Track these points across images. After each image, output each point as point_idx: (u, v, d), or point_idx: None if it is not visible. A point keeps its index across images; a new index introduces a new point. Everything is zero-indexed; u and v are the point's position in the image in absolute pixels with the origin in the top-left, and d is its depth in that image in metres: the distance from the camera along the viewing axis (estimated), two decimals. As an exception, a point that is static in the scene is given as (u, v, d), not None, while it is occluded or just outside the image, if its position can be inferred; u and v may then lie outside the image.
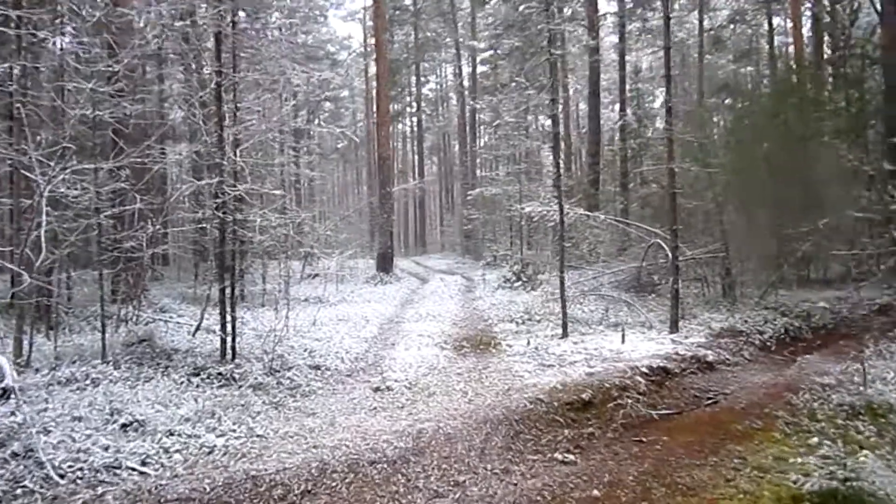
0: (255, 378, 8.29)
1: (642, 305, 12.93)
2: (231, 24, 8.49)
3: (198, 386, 7.92)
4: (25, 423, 5.64)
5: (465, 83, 44.39)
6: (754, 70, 33.90)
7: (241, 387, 7.98)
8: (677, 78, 38.03)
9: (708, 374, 9.02)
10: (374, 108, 52.25)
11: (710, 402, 7.89)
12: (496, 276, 22.18)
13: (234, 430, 6.35)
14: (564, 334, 10.83)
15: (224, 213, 8.33)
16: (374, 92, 23.89)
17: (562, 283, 11.17)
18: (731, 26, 34.49)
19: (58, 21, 9.21)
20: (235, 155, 8.32)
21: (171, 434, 6.06)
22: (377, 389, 8.26)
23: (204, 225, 11.62)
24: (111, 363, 8.46)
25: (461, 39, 43.04)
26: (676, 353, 9.37)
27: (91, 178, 8.83)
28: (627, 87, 29.38)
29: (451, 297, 18.18)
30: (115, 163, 9.17)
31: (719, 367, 9.36)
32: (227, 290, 9.02)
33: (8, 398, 6.24)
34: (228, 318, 8.95)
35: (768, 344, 10.63)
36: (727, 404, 7.71)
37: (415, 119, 55.89)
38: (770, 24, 31.60)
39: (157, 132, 11.56)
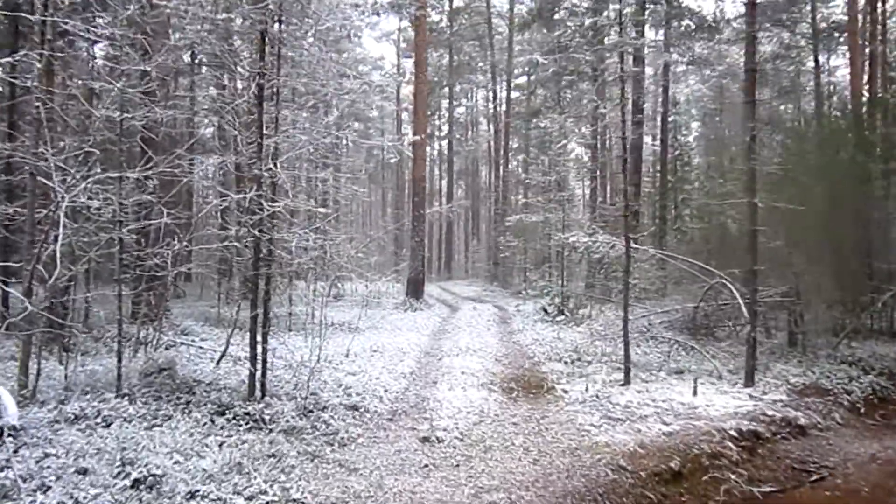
0: (287, 420, 7.30)
1: (704, 351, 11.80)
2: (277, 22, 7.61)
3: (222, 428, 6.94)
4: (19, 478, 4.68)
5: (501, 108, 43.62)
6: (794, 108, 32.90)
7: (271, 431, 6.99)
8: (715, 112, 37.03)
9: (801, 441, 7.88)
10: (409, 128, 51.85)
11: (816, 478, 6.75)
12: (531, 307, 21.12)
13: (265, 492, 5.33)
14: (626, 381, 9.75)
15: (261, 230, 7.39)
16: (412, 108, 23.05)
17: (625, 323, 10.10)
18: (776, 62, 33.29)
19: (88, 13, 8.39)
20: (276, 166, 7.40)
21: (193, 497, 5.06)
22: (425, 440, 7.23)
23: (235, 244, 10.75)
24: (126, 396, 7.52)
25: (497, 64, 42.33)
26: (763, 414, 8.23)
27: (115, 188, 7.97)
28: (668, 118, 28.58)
29: (488, 329, 17.12)
30: (141, 172, 8.31)
31: (811, 431, 8.21)
32: (260, 318, 8.07)
33: (2, 441, 5.33)
34: (259, 349, 7.98)
35: (857, 406, 9.43)
36: (840, 483, 6.59)
37: (444, 142, 55.40)
38: (816, 60, 30.37)
39: (187, 142, 10.72)
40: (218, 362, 10.18)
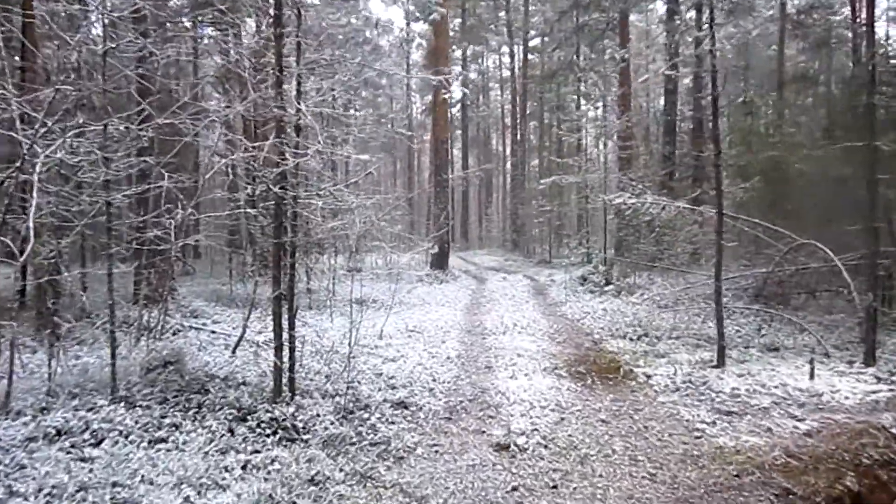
0: (326, 427, 5.77)
1: (804, 324, 10.21)
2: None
3: (244, 440, 5.42)
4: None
5: (517, 68, 41.73)
6: (825, 63, 31.00)
7: (307, 444, 5.47)
8: (739, 71, 34.96)
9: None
10: (417, 97, 49.95)
11: None
12: (564, 276, 19.53)
13: (312, 546, 3.82)
14: (720, 362, 8.17)
15: (283, 187, 5.81)
16: (430, 62, 21.26)
17: (718, 294, 8.49)
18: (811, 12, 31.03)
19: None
20: (300, 103, 5.78)
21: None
22: (501, 448, 5.69)
23: (248, 210, 9.16)
24: (124, 400, 6.01)
25: (513, 22, 40.32)
26: (911, 401, 6.67)
27: (102, 141, 6.40)
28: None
29: (527, 302, 15.55)
30: (127, 123, 6.75)
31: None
32: (284, 297, 6.52)
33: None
34: (285, 336, 6.44)
35: None
36: None
37: (455, 109, 53.47)
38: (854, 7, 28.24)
39: (190, 91, 9.11)
40: (234, 350, 8.67)
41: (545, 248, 32.60)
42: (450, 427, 6.30)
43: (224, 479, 4.59)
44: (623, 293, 15.08)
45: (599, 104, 36.18)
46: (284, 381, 6.37)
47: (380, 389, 7.34)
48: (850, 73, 25.61)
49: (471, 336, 11.00)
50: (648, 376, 8.00)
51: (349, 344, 7.53)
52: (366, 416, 6.31)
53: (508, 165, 49.16)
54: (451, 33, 43.60)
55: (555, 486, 4.87)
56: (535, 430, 6.09)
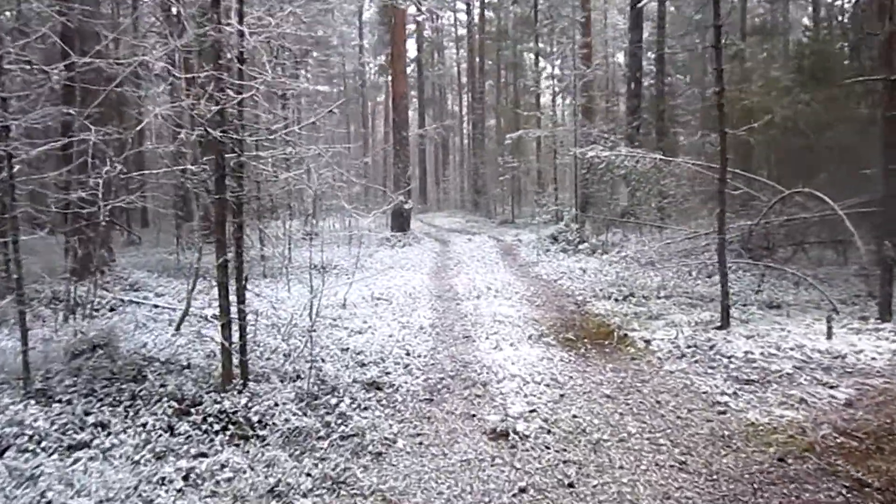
0: (286, 419, 4.80)
1: (807, 278, 9.54)
2: None
3: (187, 440, 4.44)
4: None
5: (474, 24, 40.44)
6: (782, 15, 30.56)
7: (265, 441, 4.50)
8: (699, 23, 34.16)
9: None
10: (369, 55, 48.26)
11: None
12: (531, 236, 18.74)
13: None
14: (725, 323, 7.40)
15: (225, 131, 4.73)
16: (392, 24, 19.96)
17: (721, 247, 7.68)
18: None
19: None
20: (242, 24, 4.68)
21: None
22: (498, 435, 4.80)
23: (187, 167, 8.00)
24: (40, 395, 4.96)
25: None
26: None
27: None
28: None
29: (496, 263, 14.69)
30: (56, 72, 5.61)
31: None
32: (231, 264, 5.48)
33: None
34: (234, 311, 5.42)
35: None
36: None
37: (411, 66, 51.86)
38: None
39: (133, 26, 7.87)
40: (178, 326, 7.60)
41: (507, 208, 31.80)
42: (433, 411, 5.39)
43: (159, 497, 3.60)
44: (598, 252, 14.32)
45: (558, 61, 35.29)
46: (235, 363, 5.37)
47: (347, 367, 6.39)
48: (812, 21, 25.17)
49: (443, 302, 10.09)
50: (647, 341, 7.19)
51: (310, 316, 6.52)
52: (333, 401, 5.35)
53: (466, 125, 48.03)
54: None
55: (571, 485, 4.00)
56: (534, 411, 5.21)
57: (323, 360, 6.57)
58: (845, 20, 19.60)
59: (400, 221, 20.11)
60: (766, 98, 13.66)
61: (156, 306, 9.12)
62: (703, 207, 15.06)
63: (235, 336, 5.41)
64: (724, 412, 5.09)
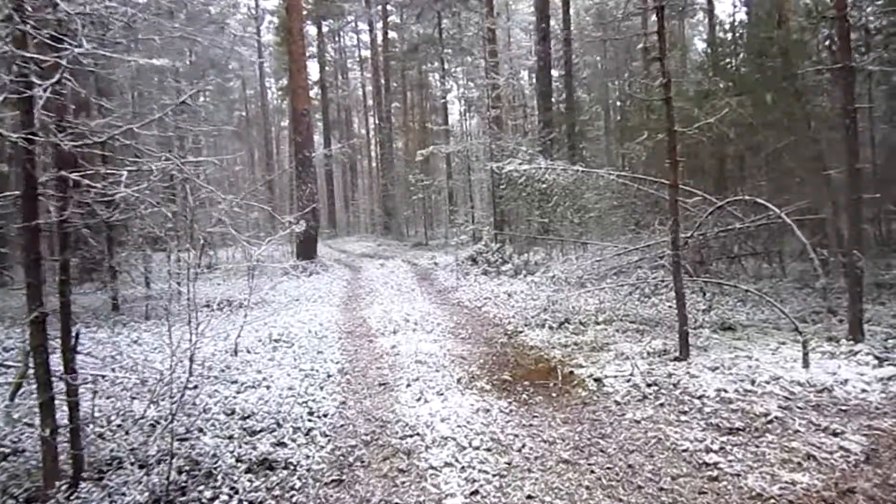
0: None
1: (766, 297, 8.69)
2: None
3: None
4: None
5: (378, 42, 39.41)
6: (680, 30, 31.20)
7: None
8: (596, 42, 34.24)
9: None
10: (272, 80, 46.44)
11: None
12: (448, 258, 17.63)
13: None
14: (684, 353, 6.35)
15: (28, 110, 3.30)
16: (289, 29, 18.51)
17: (676, 265, 6.64)
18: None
19: None
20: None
21: None
22: (431, 539, 3.51)
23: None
24: None
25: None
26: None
27: None
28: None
29: (413, 290, 13.42)
30: None
31: None
32: (46, 321, 3.99)
33: None
34: (61, 387, 3.92)
35: None
36: None
37: (314, 89, 50.24)
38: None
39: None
40: (12, 397, 5.95)
41: (419, 230, 30.70)
42: (343, 501, 4.04)
43: None
44: (522, 273, 13.27)
45: (463, 81, 34.71)
46: (61, 458, 3.86)
47: (232, 439, 4.97)
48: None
49: (354, 340, 8.72)
50: (598, 380, 6.05)
51: (184, 372, 5.07)
52: (207, 495, 3.94)
53: (374, 147, 46.86)
54: (306, 7, 40.67)
55: None
56: (476, 493, 3.95)
57: (200, 432, 5.13)
58: (740, 34, 19.53)
59: (306, 248, 18.58)
60: (688, 104, 13.03)
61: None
62: (629, 221, 14.30)
63: (63, 421, 3.91)
64: (716, 478, 3.97)
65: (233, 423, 5.37)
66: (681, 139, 12.78)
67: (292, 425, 5.30)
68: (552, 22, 29.38)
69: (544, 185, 13.30)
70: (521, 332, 8.51)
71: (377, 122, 40.59)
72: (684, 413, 5.05)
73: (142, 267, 13.05)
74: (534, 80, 32.77)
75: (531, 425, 5.11)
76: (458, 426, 5.07)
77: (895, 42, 9.53)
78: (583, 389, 5.89)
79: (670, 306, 8.95)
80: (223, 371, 7.07)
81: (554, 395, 5.84)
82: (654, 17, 6.19)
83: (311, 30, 45.01)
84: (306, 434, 5.14)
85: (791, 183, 11.82)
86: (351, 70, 55.03)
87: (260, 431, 5.18)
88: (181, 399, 4.92)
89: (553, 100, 26.72)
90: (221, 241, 18.21)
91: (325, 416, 5.59)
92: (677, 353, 6.39)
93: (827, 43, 13.36)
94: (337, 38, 51.83)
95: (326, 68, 51.27)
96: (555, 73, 31.23)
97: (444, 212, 24.23)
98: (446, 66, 33.33)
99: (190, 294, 6.64)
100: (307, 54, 44.49)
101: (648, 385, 5.70)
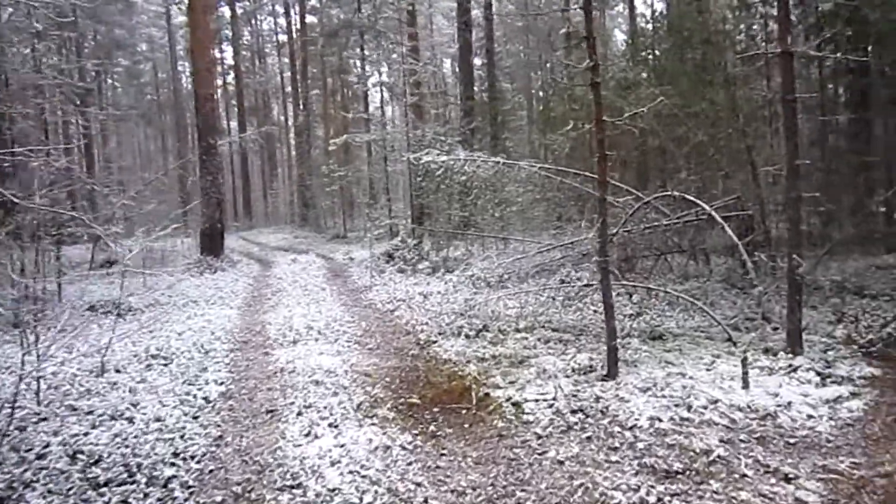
0: None
1: (695, 302, 8.12)
2: None
3: None
4: None
5: (295, 27, 37.92)
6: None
7: None
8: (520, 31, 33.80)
9: None
10: (187, 61, 44.29)
11: None
12: (363, 253, 16.72)
13: None
14: (612, 370, 5.66)
15: None
16: (191, 5, 17.13)
17: (604, 270, 5.91)
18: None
19: None
20: None
21: None
22: None
23: None
24: None
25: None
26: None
27: None
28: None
29: (323, 290, 12.46)
30: None
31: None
32: None
33: None
34: None
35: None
36: None
37: (230, 76, 48.20)
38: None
39: None
40: None
41: (338, 222, 29.61)
42: (189, 591, 3.13)
43: None
44: (440, 271, 12.49)
45: (385, 68, 33.68)
46: None
47: (67, 496, 3.97)
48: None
49: (247, 353, 7.73)
50: (517, 404, 5.30)
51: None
52: None
53: (292, 136, 45.22)
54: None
55: None
56: (363, 577, 3.11)
57: (27, 487, 4.11)
58: (660, 24, 19.26)
59: (211, 243, 17.29)
60: (611, 94, 12.49)
61: None
62: (552, 215, 13.73)
63: None
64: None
65: (74, 471, 4.37)
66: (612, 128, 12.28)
67: (149, 474, 4.33)
68: (474, 9, 28.73)
69: (464, 178, 12.56)
70: (434, 341, 7.71)
71: (294, 111, 39.09)
72: (614, 450, 4.33)
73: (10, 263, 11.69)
74: (456, 70, 32.11)
75: (438, 468, 4.30)
76: (351, 472, 4.21)
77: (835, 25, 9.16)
78: (500, 417, 5.12)
79: (595, 311, 8.33)
80: (83, 396, 6.00)
81: (467, 424, 5.05)
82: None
83: (226, 11, 43.06)
84: (164, 487, 4.19)
85: (716, 177, 11.46)
86: (269, 55, 53.09)
87: (105, 484, 4.20)
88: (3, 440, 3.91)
89: (476, 89, 26.10)
90: (125, 235, 16.75)
91: (192, 458, 4.63)
92: (605, 371, 5.70)
93: (755, 29, 13.10)
94: (253, 21, 49.82)
95: (243, 52, 49.27)
96: (477, 61, 30.61)
97: (365, 203, 23.23)
98: (366, 53, 32.20)
99: (63, 294, 5.66)
100: (219, 37, 42.50)
101: (573, 412, 4.98)
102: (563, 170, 11.23)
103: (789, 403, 4.86)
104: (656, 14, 20.61)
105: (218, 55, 47.18)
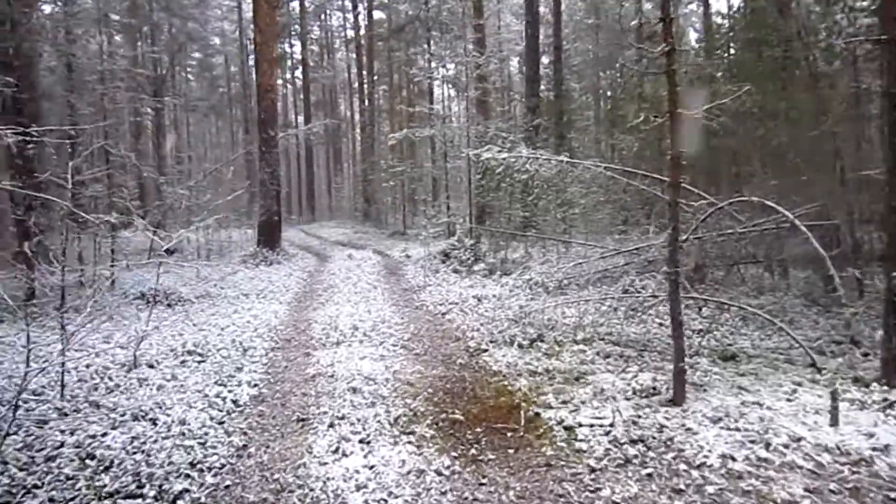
0: None
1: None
2: None
3: None
4: None
5: (363, 22, 37.90)
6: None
7: None
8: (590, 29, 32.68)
9: None
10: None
11: None
12: (420, 251, 16.30)
13: None
14: (679, 395, 5.04)
15: None
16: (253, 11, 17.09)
17: (675, 283, 5.28)
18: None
19: None
20: None
21: None
22: None
23: None
24: None
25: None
26: None
27: None
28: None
29: (375, 288, 12.08)
30: None
31: None
32: None
33: None
34: None
35: None
36: None
37: (298, 70, 48.62)
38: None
39: None
40: None
41: (398, 219, 29.33)
42: None
43: None
44: (497, 273, 11.95)
45: (450, 64, 33.28)
46: None
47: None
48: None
49: (288, 352, 7.37)
50: (570, 429, 4.74)
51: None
52: None
53: (358, 131, 45.28)
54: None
55: None
56: None
57: (29, 493, 3.79)
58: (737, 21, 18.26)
59: (267, 235, 17.15)
60: (684, 88, 11.73)
61: None
62: (616, 219, 13.04)
63: None
64: None
65: (82, 478, 4.05)
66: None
67: (159, 486, 3.97)
68: (542, 5, 28.01)
69: (525, 177, 11.99)
70: (485, 350, 7.19)
71: (358, 107, 39.09)
72: (679, 493, 3.74)
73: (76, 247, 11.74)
74: (522, 69, 31.43)
75: (475, 501, 3.79)
76: (377, 501, 3.75)
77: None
78: (549, 443, 4.57)
79: (661, 324, 7.68)
80: (108, 392, 5.71)
81: (513, 449, 4.52)
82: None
83: (295, 5, 43.34)
84: (173, 501, 3.81)
85: (797, 182, 10.60)
86: (338, 51, 53.37)
87: (111, 496, 3.85)
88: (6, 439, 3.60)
89: (542, 87, 25.41)
90: (186, 222, 16.74)
91: (209, 470, 4.25)
92: (670, 395, 5.09)
93: (842, 22, 12.09)
94: (322, 17, 50.11)
95: (312, 48, 49.64)
96: (545, 59, 29.85)
97: (425, 201, 22.85)
98: (433, 48, 31.89)
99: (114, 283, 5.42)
100: (287, 32, 42.81)
101: (633, 442, 4.40)
102: (631, 170, 10.52)
103: (886, 447, 4.17)
104: (733, 10, 19.56)
105: (287, 50, 47.79)
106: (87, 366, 6.47)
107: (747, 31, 13.29)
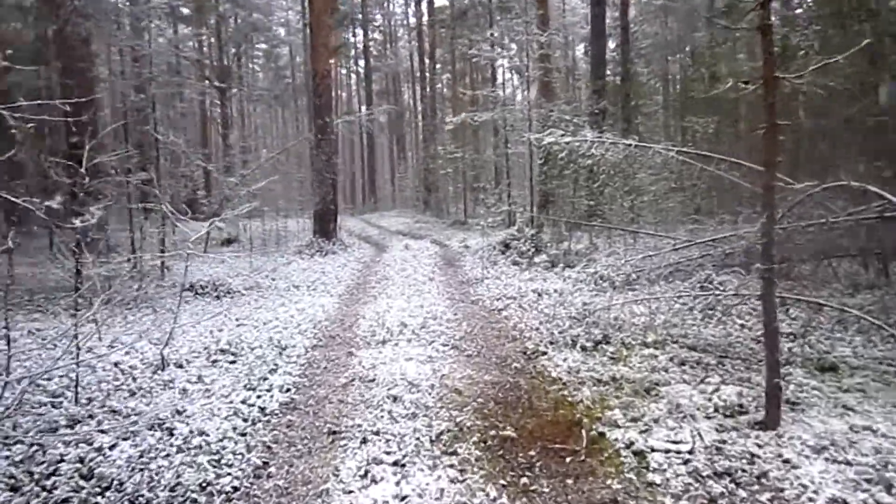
0: None
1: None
2: None
3: None
4: None
5: (423, 8, 37.30)
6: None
7: None
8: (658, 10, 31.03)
9: None
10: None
11: None
12: (480, 241, 15.60)
13: None
14: (773, 417, 4.24)
15: None
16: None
17: (770, 282, 4.47)
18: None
19: None
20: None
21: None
22: None
23: None
24: None
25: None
26: None
27: None
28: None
29: (430, 280, 11.48)
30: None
31: None
32: None
33: None
34: None
35: None
36: None
37: (361, 60, 48.38)
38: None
39: None
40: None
41: (460, 207, 28.70)
42: None
43: None
44: (559, 265, 11.18)
45: (513, 47, 32.39)
46: None
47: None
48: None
49: (329, 351, 6.82)
50: (639, 454, 4.02)
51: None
52: None
53: (420, 119, 44.81)
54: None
55: None
56: None
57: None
58: None
59: (323, 224, 16.75)
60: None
61: None
62: (689, 207, 12.12)
63: None
64: None
65: (76, 500, 3.54)
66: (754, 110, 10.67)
67: (160, 512, 3.43)
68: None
69: (590, 162, 11.17)
70: (543, 352, 6.48)
71: (420, 96, 38.57)
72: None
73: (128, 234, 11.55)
74: (588, 51, 30.28)
75: (524, 549, 3.12)
76: (406, 544, 3.12)
77: None
78: (616, 472, 3.86)
79: (743, 326, 6.82)
80: (129, 396, 5.26)
81: (571, 478, 3.83)
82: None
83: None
84: (172, 538, 3.27)
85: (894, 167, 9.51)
86: (401, 39, 52.97)
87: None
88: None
89: (608, 71, 24.33)
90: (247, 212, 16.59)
91: (220, 494, 3.71)
92: (761, 415, 4.29)
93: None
94: (385, 4, 49.75)
95: (375, 36, 49.38)
96: (611, 44, 28.64)
97: (485, 189, 22.16)
98: (495, 33, 31.07)
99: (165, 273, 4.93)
100: (349, 19, 42.52)
101: (718, 475, 3.65)
102: (707, 154, 9.59)
103: None
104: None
105: (350, 38, 47.60)
106: (116, 364, 6.06)
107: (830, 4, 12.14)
